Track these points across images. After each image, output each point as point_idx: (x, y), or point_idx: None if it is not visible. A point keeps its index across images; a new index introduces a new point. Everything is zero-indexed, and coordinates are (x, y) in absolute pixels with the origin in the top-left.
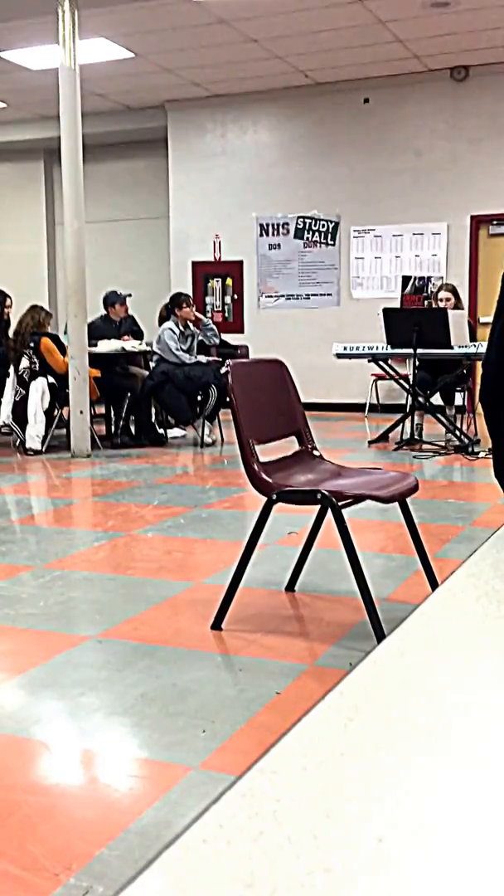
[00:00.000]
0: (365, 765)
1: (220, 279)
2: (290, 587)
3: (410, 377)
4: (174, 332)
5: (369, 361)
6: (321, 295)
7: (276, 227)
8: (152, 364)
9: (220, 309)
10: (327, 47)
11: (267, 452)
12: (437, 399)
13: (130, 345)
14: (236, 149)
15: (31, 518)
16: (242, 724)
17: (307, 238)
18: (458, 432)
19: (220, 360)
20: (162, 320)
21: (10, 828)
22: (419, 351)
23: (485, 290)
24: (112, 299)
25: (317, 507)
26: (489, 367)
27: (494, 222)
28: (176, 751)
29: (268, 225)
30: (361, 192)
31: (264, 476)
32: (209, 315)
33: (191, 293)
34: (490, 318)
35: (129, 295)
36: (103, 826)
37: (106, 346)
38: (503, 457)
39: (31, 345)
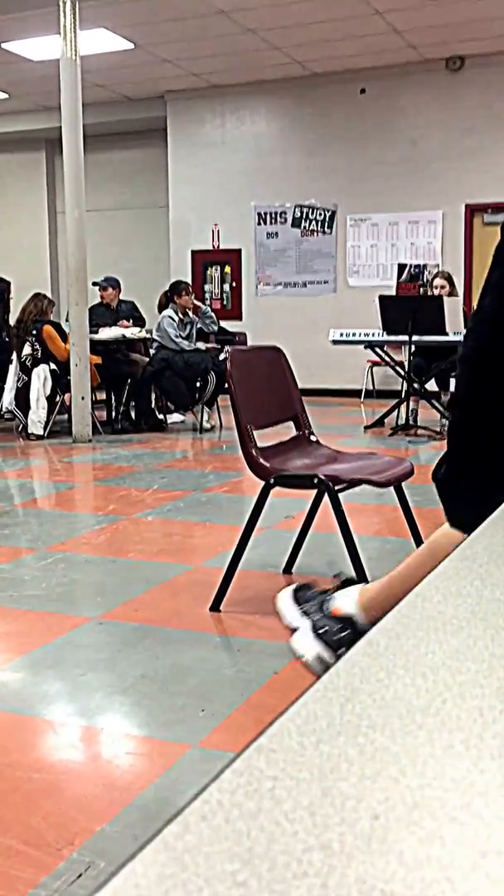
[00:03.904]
0: (361, 744)
1: (218, 267)
2: (288, 570)
3: (406, 363)
4: (173, 320)
5: (365, 348)
6: (318, 283)
7: (273, 215)
8: (152, 351)
9: (219, 296)
10: (324, 38)
11: (265, 437)
12: (431, 385)
13: (130, 332)
14: (235, 138)
15: (33, 501)
16: (240, 703)
17: (304, 227)
18: None
19: (219, 346)
20: (161, 308)
21: (14, 804)
22: (414, 338)
23: (479, 278)
24: (97, 286)
25: (314, 491)
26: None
27: (489, 210)
28: (175, 729)
29: (266, 214)
30: (358, 181)
31: (262, 461)
32: (208, 303)
33: (190, 281)
34: None
35: (109, 279)
36: (105, 802)
37: (107, 333)
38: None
39: (34, 332)
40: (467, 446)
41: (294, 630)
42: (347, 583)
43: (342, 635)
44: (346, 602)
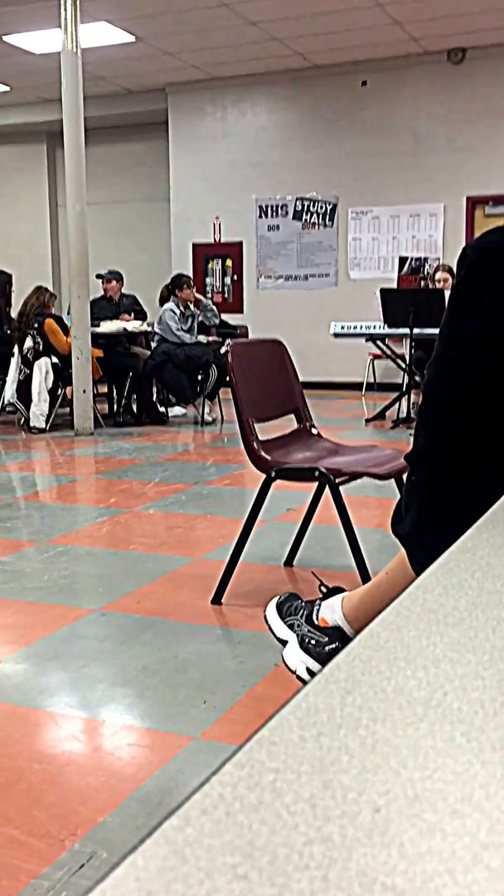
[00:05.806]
0: (362, 736)
1: (219, 260)
2: (289, 562)
3: (407, 356)
4: (175, 313)
5: (367, 341)
6: (319, 276)
7: (275, 208)
8: (153, 344)
9: (220, 290)
10: (326, 30)
11: (266, 430)
12: None
13: (132, 325)
14: (236, 131)
15: (35, 495)
16: (242, 695)
17: (305, 219)
18: None
19: (220, 339)
20: (163, 301)
21: (17, 795)
22: (415, 331)
23: None
24: (101, 278)
25: (315, 484)
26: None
27: (490, 203)
28: (177, 721)
29: (267, 206)
30: (359, 173)
31: (263, 454)
32: (209, 296)
33: (191, 274)
34: None
35: (113, 272)
36: (107, 794)
37: (108, 326)
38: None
39: (35, 325)
40: (441, 504)
41: (283, 643)
42: (333, 592)
43: (331, 647)
44: (332, 612)
